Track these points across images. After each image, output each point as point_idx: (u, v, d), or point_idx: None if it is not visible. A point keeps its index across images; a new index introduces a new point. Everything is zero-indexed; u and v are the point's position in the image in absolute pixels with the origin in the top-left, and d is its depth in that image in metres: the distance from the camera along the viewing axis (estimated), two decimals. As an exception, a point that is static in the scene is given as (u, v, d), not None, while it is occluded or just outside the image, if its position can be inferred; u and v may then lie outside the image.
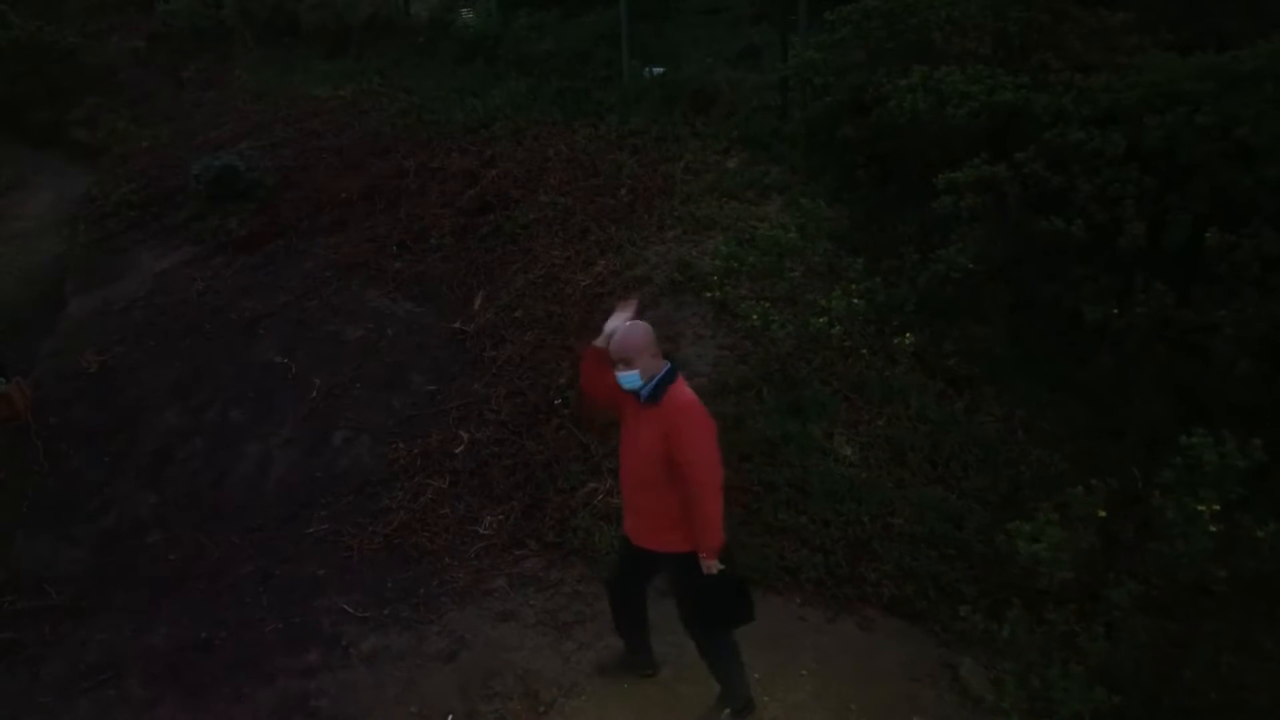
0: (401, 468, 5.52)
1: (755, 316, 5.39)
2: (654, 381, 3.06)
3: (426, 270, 7.58)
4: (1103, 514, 3.57)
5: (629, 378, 3.03)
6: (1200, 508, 3.15)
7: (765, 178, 7.44)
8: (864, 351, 5.42)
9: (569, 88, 10.22)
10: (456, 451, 5.55)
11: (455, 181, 9.04)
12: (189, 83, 14.99)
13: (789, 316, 5.56)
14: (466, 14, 12.74)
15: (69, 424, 6.33)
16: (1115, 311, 4.75)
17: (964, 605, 3.68)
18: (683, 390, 3.12)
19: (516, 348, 6.46)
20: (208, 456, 5.82)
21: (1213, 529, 3.13)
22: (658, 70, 9.84)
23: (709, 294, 5.98)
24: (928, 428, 4.98)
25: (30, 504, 5.63)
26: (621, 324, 3.13)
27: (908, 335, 5.42)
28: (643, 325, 3.15)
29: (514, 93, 10.41)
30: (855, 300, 5.45)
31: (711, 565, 3.07)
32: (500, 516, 4.98)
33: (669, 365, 3.13)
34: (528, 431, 5.58)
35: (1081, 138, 5.18)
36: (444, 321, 6.89)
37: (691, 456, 3.01)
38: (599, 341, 3.16)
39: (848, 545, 4.37)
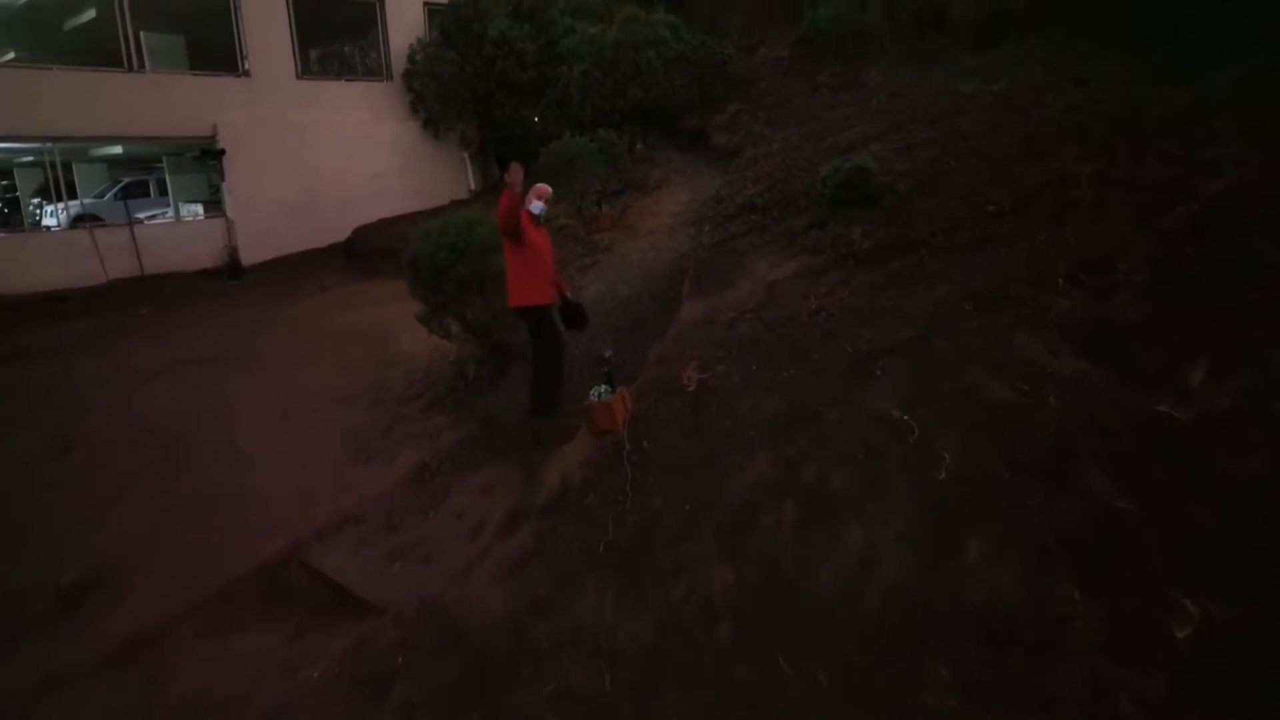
0: (1069, 621, 3.55)
1: None
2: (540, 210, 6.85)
3: (1109, 314, 5.38)
4: None
5: (537, 206, 6.82)
6: None
7: None
8: None
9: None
10: (1174, 629, 3.38)
11: (1152, 194, 6.57)
12: (823, 86, 14.66)
13: None
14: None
15: (658, 450, 5.65)
16: None
17: None
18: None
19: (1275, 460, 3.97)
20: (798, 530, 4.54)
21: None
22: None
23: None
24: None
25: (607, 541, 4.98)
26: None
27: None
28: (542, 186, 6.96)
29: (1247, 74, 7.46)
30: None
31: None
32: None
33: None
34: (1318, 627, 3.17)
35: None
36: (1139, 395, 4.65)
37: None
38: (515, 188, 6.09)
39: None
